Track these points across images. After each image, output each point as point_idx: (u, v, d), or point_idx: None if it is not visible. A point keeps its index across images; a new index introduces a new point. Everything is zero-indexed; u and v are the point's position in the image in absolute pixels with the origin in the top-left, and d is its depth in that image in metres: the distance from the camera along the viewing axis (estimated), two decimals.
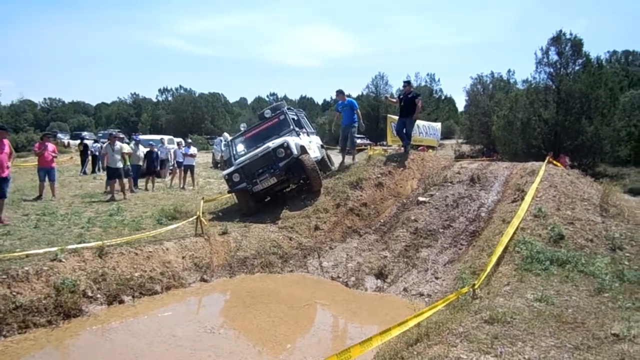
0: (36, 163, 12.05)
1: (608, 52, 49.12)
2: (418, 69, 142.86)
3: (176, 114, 63.09)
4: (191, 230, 8.19)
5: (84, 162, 19.44)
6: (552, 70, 23.82)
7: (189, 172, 15.26)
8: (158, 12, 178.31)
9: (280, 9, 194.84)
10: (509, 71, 53.17)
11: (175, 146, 17.06)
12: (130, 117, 74.64)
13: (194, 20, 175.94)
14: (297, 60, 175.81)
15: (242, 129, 11.69)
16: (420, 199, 9.23)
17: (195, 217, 8.28)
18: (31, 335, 5.29)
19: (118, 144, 12.16)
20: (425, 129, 16.75)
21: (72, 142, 37.61)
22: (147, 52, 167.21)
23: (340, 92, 11.45)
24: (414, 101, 10.63)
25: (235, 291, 7.22)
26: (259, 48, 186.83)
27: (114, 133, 14.10)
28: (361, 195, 9.49)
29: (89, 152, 19.42)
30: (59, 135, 47.90)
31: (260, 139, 10.49)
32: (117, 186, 12.00)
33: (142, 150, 14.78)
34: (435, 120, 26.92)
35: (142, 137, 19.45)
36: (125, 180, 13.63)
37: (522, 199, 7.62)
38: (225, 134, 23.65)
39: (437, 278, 6.96)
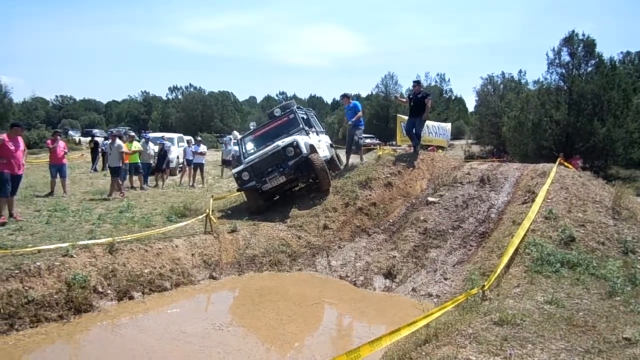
0: (48, 159, 12.15)
1: (621, 52, 48.32)
2: (428, 68, 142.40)
3: (186, 112, 63.34)
4: (200, 228, 8.23)
5: (94, 159, 19.58)
6: (564, 71, 23.60)
7: (198, 170, 15.34)
8: (168, 11, 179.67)
9: (290, 8, 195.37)
10: (520, 71, 52.27)
11: (185, 144, 17.11)
12: (140, 115, 75.15)
13: (204, 19, 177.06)
14: (307, 59, 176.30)
15: (251, 127, 11.71)
16: (430, 199, 9.19)
17: (204, 214, 8.31)
18: (43, 329, 5.36)
19: (117, 142, 12.02)
20: (435, 129, 16.66)
21: (83, 139, 37.95)
22: (158, 51, 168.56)
23: (344, 96, 11.58)
24: (424, 101, 10.59)
25: (244, 289, 7.25)
26: (269, 47, 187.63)
27: (114, 132, 14.05)
28: (370, 195, 9.48)
29: (99, 149, 19.56)
30: (70, 132, 48.39)
31: (269, 137, 10.50)
32: (131, 183, 12.06)
33: (153, 148, 14.85)
34: (445, 121, 26.80)
35: (151, 134, 19.52)
36: (136, 178, 13.77)
37: (533, 200, 7.55)
38: (235, 132, 23.69)
39: (446, 279, 6.93)
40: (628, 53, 48.10)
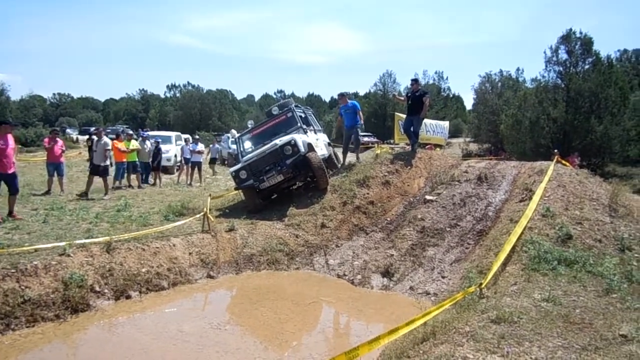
0: (45, 158, 12.11)
1: (618, 50, 48.37)
2: (426, 66, 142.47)
3: (184, 110, 63.18)
4: (198, 227, 8.22)
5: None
6: (561, 69, 23.65)
7: (196, 169, 15.32)
8: (166, 8, 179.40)
9: (289, 6, 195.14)
10: (517, 70, 52.32)
11: (183, 143, 17.05)
12: (138, 113, 75.07)
13: (203, 17, 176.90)
14: (305, 57, 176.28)
15: (249, 126, 11.69)
16: (428, 197, 9.20)
17: (202, 213, 8.30)
18: (39, 329, 5.35)
19: (103, 139, 11.73)
20: (433, 127, 16.69)
21: (80, 137, 37.88)
22: (156, 49, 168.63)
23: (342, 96, 11.45)
24: (422, 99, 10.58)
25: (242, 288, 7.24)
26: (267, 45, 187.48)
27: (100, 129, 13.51)
28: (368, 194, 9.47)
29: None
30: (68, 130, 48.28)
31: (267, 136, 10.47)
32: (129, 182, 11.85)
33: (151, 147, 14.79)
34: (443, 119, 26.81)
35: (149, 133, 19.44)
36: (134, 177, 13.74)
37: (530, 198, 7.56)
38: (233, 130, 23.66)
39: (443, 277, 6.94)
40: (625, 51, 48.22)
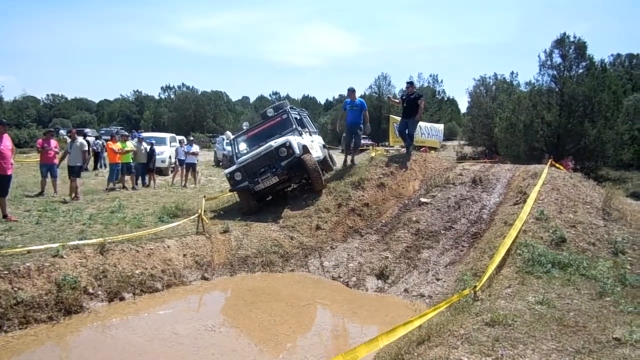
0: (38, 159, 12.02)
1: (612, 55, 48.84)
2: (421, 69, 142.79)
3: (178, 111, 63.11)
4: (192, 228, 8.19)
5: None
6: (555, 72, 23.81)
7: (190, 170, 15.27)
8: (161, 10, 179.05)
9: (284, 8, 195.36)
10: (512, 73, 52.64)
11: (178, 144, 17.00)
12: (132, 114, 74.79)
13: (197, 19, 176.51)
14: (300, 59, 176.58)
15: (244, 127, 11.67)
16: (422, 200, 9.22)
17: (196, 215, 8.28)
18: (32, 331, 5.30)
19: (79, 140, 11.43)
20: (428, 130, 16.70)
21: None
22: (150, 50, 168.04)
23: (352, 90, 11.01)
24: (417, 102, 10.61)
25: (236, 290, 7.23)
26: (262, 47, 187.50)
27: (73, 130, 13.07)
28: (363, 196, 9.48)
29: (90, 148, 19.39)
30: (61, 131, 47.95)
31: (262, 138, 10.47)
32: (123, 183, 11.72)
33: (145, 148, 14.72)
34: (437, 122, 26.89)
35: (144, 134, 19.35)
36: (128, 177, 13.66)
37: (524, 201, 7.60)
38: (228, 132, 23.63)
39: (438, 279, 6.95)
40: (618, 55, 48.71)
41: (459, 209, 8.65)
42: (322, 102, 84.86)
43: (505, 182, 9.34)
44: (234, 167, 9.74)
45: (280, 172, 9.29)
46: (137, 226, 8.20)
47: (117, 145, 13.05)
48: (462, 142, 41.73)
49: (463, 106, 56.09)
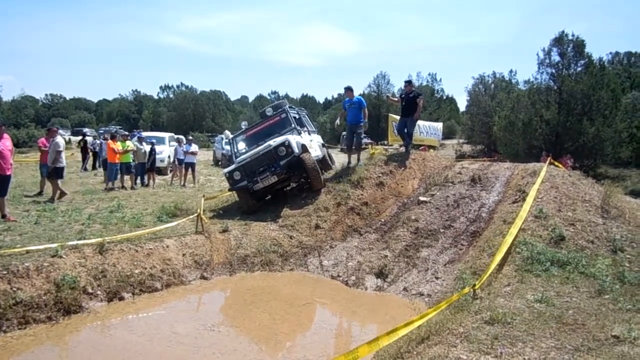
0: (37, 159, 11.98)
1: (610, 53, 48.78)
2: (420, 68, 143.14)
3: (177, 111, 63.04)
4: (192, 228, 8.19)
5: (84, 158, 19.41)
6: (554, 71, 23.78)
7: (189, 170, 15.26)
8: (160, 9, 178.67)
9: (284, 8, 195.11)
10: (510, 71, 52.47)
11: (176, 144, 16.97)
12: (131, 114, 74.75)
13: (196, 18, 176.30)
14: (299, 58, 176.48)
15: (243, 127, 11.66)
16: (421, 198, 9.22)
17: (195, 214, 8.27)
18: (31, 331, 5.29)
19: (56, 139, 10.80)
20: (427, 128, 16.75)
21: (73, 138, 37.64)
22: (149, 50, 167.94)
23: (349, 89, 10.97)
24: (416, 101, 10.61)
25: (236, 289, 7.23)
26: (261, 46, 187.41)
27: (54, 128, 11.78)
28: (362, 195, 9.48)
29: (89, 148, 19.40)
30: (60, 131, 47.91)
31: (261, 137, 10.46)
32: (122, 183, 11.60)
33: (145, 147, 14.70)
34: (436, 120, 26.91)
35: (144, 134, 19.30)
36: (127, 177, 13.65)
37: (524, 199, 7.61)
38: (227, 131, 23.61)
39: (437, 278, 6.95)
40: (617, 53, 48.69)
41: (458, 207, 8.65)
42: (321, 101, 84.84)
43: (504, 181, 9.34)
44: (232, 167, 9.74)
45: (280, 171, 9.28)
46: (136, 226, 8.19)
47: (117, 145, 13.03)
48: (461, 141, 41.71)
49: (462, 105, 55.95)
